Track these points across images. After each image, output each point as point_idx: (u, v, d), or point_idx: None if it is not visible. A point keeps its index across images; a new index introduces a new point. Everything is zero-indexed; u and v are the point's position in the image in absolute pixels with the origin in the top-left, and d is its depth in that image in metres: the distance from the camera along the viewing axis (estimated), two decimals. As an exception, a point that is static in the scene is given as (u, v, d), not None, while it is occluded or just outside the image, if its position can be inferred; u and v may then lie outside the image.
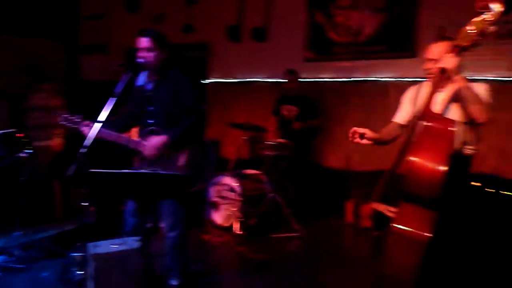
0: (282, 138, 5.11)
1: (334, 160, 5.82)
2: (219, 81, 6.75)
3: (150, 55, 3.04)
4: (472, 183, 4.22)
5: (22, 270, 3.67)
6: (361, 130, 2.84)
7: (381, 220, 2.57)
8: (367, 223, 4.95)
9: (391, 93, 5.28)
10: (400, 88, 5.52)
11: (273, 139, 5.05)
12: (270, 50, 6.18)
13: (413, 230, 2.37)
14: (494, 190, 4.12)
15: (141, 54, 3.04)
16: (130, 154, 3.24)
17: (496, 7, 2.33)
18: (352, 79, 5.58)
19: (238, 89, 6.59)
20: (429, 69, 2.70)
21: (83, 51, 7.18)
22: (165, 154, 3.07)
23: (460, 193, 2.72)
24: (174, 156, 3.10)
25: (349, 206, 5.27)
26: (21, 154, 3.77)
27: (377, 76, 5.40)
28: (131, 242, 3.01)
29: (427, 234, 2.33)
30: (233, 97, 6.64)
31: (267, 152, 4.88)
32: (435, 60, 2.63)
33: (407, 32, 5.07)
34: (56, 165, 4.29)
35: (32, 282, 3.51)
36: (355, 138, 2.83)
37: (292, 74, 5.44)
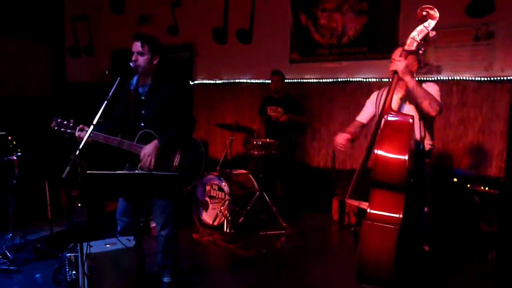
0: (269, 138, 5.21)
1: (320, 159, 5.95)
2: (205, 82, 6.81)
3: (141, 59, 3.10)
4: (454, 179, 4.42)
5: (15, 271, 3.71)
6: (343, 138, 3.10)
7: (362, 216, 2.70)
8: (352, 219, 5.11)
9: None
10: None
11: (260, 139, 5.14)
12: (255, 51, 6.26)
13: (385, 213, 2.53)
14: (469, 186, 4.29)
15: (133, 57, 3.10)
16: (121, 155, 3.30)
17: (434, 15, 2.70)
18: (336, 79, 5.71)
19: (224, 90, 6.66)
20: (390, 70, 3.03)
21: (69, 53, 7.17)
22: (159, 157, 3.15)
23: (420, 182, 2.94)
24: (167, 158, 3.19)
25: (335, 203, 5.41)
26: (12, 157, 3.78)
27: (360, 77, 5.53)
28: (124, 242, 3.09)
29: (399, 216, 2.49)
30: (220, 98, 6.72)
31: (254, 152, 4.97)
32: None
33: (389, 34, 5.20)
34: (46, 167, 4.31)
35: (25, 284, 3.55)
36: (341, 147, 3.09)
37: (277, 74, 5.54)
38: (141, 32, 3.24)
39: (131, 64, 3.08)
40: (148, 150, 3.08)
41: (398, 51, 3.02)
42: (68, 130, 3.03)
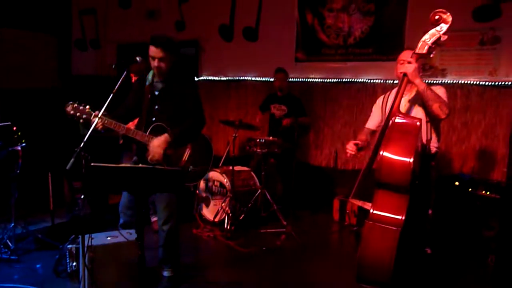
0: (272, 135, 5.22)
1: (322, 158, 5.96)
2: (210, 78, 6.82)
3: (164, 65, 3.13)
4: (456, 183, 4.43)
5: (15, 261, 3.74)
6: (352, 143, 3.03)
7: (364, 217, 2.71)
8: (352, 219, 5.12)
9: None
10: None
11: (262, 137, 5.15)
12: (261, 49, 6.26)
13: (388, 214, 2.54)
14: (471, 190, 4.30)
15: (156, 63, 3.11)
16: (124, 147, 3.32)
17: (447, 20, 2.68)
18: (340, 80, 5.71)
19: (228, 87, 6.67)
20: (397, 72, 3.01)
21: (75, 46, 7.19)
22: (169, 151, 3.17)
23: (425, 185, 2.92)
24: (177, 153, 3.23)
25: (336, 204, 5.42)
26: (16, 147, 3.80)
27: (365, 78, 5.53)
28: (126, 235, 3.11)
29: (401, 218, 2.50)
30: (224, 95, 6.72)
31: (257, 149, 4.98)
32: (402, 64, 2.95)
33: (395, 36, 5.19)
34: (50, 158, 4.33)
35: (25, 274, 3.57)
36: (352, 151, 3.01)
37: (281, 72, 5.53)
38: (157, 34, 3.20)
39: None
40: (157, 142, 3.11)
41: (405, 54, 3.01)
42: (84, 116, 3.01)
